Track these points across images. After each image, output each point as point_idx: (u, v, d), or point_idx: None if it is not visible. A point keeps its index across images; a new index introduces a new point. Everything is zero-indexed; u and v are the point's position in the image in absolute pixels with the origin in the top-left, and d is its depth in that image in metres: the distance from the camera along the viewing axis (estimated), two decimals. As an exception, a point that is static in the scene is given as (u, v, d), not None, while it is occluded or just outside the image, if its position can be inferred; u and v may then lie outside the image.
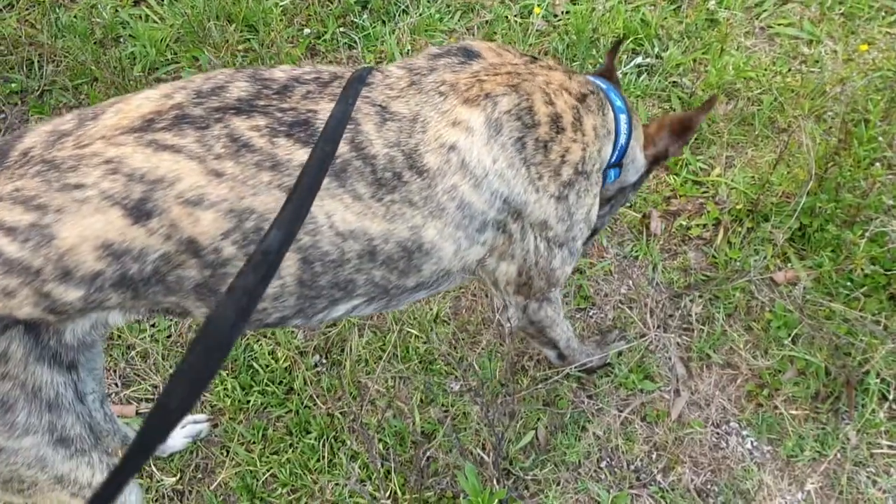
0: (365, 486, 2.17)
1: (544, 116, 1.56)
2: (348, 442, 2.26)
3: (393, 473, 2.18)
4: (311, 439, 2.26)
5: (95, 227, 1.24)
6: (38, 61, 3.11)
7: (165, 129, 1.29)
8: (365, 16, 3.28)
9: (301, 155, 1.34)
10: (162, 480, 2.22)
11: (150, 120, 1.29)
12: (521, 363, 2.40)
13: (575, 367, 2.25)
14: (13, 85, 3.07)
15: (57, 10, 3.24)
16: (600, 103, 1.72)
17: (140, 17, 3.21)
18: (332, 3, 3.33)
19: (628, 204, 2.52)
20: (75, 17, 3.22)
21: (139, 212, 1.25)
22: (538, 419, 2.28)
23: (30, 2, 3.30)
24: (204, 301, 1.40)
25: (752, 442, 2.23)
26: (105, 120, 1.30)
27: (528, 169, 1.53)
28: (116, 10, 3.25)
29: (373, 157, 1.41)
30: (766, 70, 3.09)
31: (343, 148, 1.38)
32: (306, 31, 3.23)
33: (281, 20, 3.22)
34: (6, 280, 1.22)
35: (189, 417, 2.30)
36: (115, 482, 0.94)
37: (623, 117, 1.77)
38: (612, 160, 1.76)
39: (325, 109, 1.39)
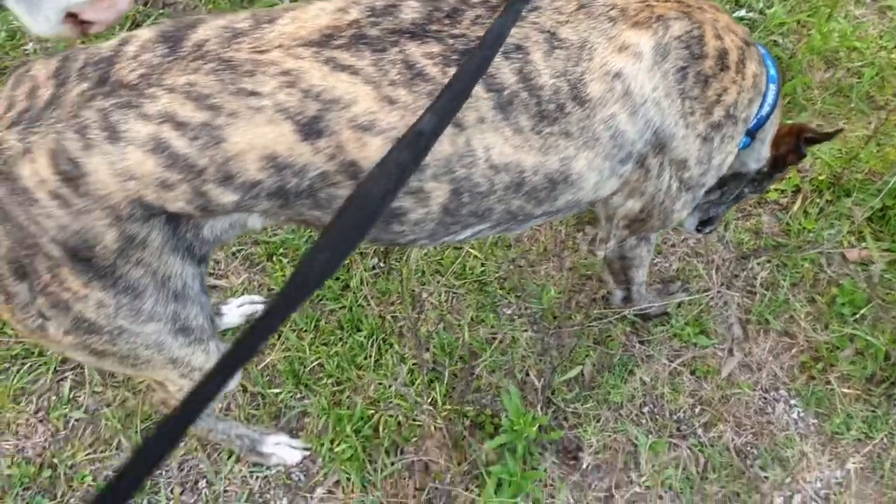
0: (409, 389, 2.19)
1: (713, 49, 1.49)
2: (396, 346, 2.28)
3: (437, 382, 2.20)
4: (360, 337, 2.28)
5: (266, 138, 1.23)
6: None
7: (343, 47, 1.26)
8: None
9: (484, 107, 1.32)
10: (212, 353, 2.26)
11: (328, 35, 1.26)
12: (576, 299, 2.39)
13: (633, 311, 2.23)
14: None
15: None
16: (760, 58, 1.65)
17: None
18: None
19: (742, 202, 2.42)
20: None
21: (310, 130, 1.24)
22: (587, 355, 2.27)
23: None
24: None
25: (798, 412, 2.22)
26: (282, 26, 1.27)
27: (683, 102, 1.48)
28: None
29: (539, 87, 1.37)
30: (871, 43, 2.97)
31: (511, 78, 1.35)
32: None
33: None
34: (168, 173, 1.22)
35: (247, 297, 2.32)
36: (255, 337, 0.94)
37: (773, 87, 1.70)
38: (751, 125, 1.70)
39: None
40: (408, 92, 1.28)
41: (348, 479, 2.07)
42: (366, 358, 2.26)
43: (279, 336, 2.30)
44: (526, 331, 2.31)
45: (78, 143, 1.19)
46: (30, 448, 2.14)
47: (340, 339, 2.29)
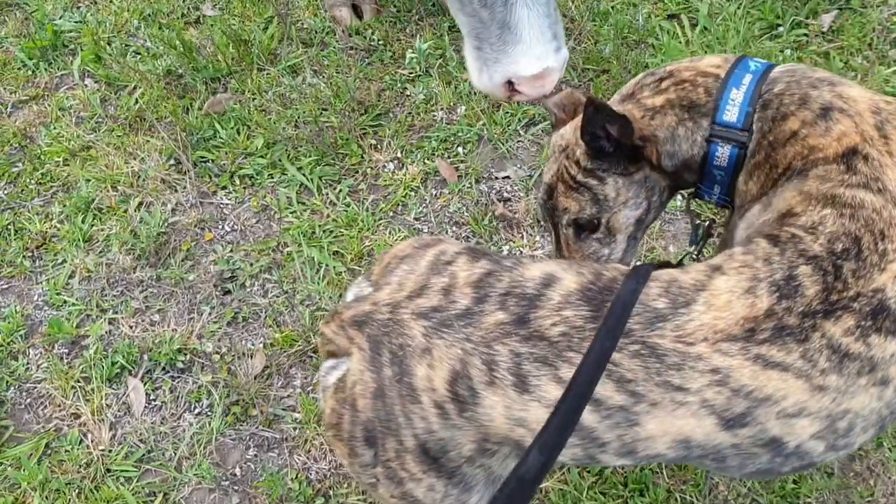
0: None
1: None
2: (675, 529, 2.14)
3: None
4: (642, 503, 2.17)
5: (683, 429, 1.22)
6: (565, 33, 3.29)
7: (768, 342, 1.21)
8: None
9: (893, 347, 1.22)
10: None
11: (750, 329, 1.22)
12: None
13: None
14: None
15: (601, -5, 3.40)
16: None
17: (669, 33, 3.24)
18: None
19: None
20: (614, 7, 3.35)
21: (734, 423, 1.22)
22: None
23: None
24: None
25: None
26: (699, 314, 1.24)
27: None
28: (650, 17, 3.31)
29: None
30: None
31: None
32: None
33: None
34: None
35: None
36: None
37: None
38: None
39: (885, 284, 1.24)
40: (837, 376, 1.21)
41: None
42: (641, 527, 2.14)
43: (562, 466, 2.26)
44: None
45: (483, 376, 1.23)
46: (314, 471, 2.30)
47: (621, 496, 2.20)
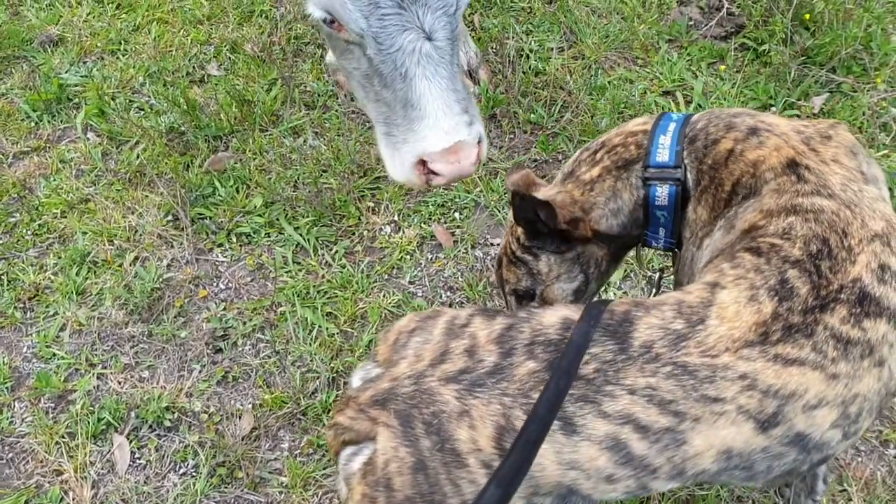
0: None
1: None
2: None
3: None
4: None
5: (725, 438, 1.28)
6: (562, 105, 3.36)
7: (782, 341, 1.30)
8: None
9: (883, 327, 1.33)
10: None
11: (763, 333, 1.31)
12: None
13: None
14: (532, 115, 3.35)
15: (598, 71, 3.48)
16: None
17: (664, 109, 3.31)
18: None
19: None
20: (610, 82, 3.43)
21: (768, 423, 1.29)
22: None
23: (573, 56, 3.59)
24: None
25: None
26: (714, 327, 1.32)
27: None
28: (645, 93, 3.39)
29: None
30: None
31: None
32: None
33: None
34: (618, 470, 1.27)
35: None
36: None
37: None
38: None
39: (860, 274, 1.34)
40: (845, 363, 1.31)
41: None
42: None
43: None
44: None
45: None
46: (299, 537, 2.25)
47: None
